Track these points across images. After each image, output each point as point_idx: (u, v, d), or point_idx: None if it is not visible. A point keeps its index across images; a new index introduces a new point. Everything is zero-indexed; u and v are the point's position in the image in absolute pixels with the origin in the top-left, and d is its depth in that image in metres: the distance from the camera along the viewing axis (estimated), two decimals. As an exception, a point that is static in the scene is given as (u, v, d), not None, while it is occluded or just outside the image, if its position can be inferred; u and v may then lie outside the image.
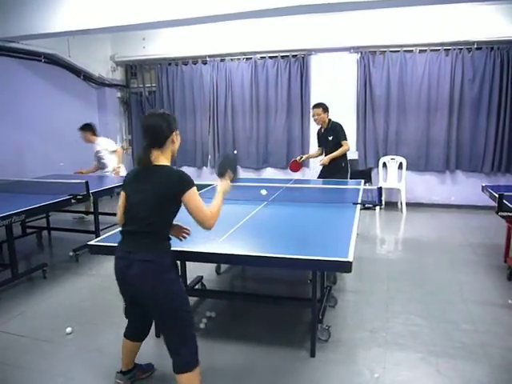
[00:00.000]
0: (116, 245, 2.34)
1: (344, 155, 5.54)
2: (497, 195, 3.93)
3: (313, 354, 2.89)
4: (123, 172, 6.50)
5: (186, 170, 7.98)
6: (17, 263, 4.13)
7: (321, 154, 5.86)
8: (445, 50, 7.05)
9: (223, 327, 3.35)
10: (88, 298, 3.94)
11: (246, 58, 7.98)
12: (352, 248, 2.55)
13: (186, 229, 2.49)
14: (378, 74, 7.39)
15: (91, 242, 2.83)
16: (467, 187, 7.30)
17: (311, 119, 6.70)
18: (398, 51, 7.24)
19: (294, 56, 7.72)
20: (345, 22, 7.04)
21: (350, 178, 5.68)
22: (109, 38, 8.30)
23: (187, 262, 3.28)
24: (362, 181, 5.23)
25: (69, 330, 3.26)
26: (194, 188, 2.20)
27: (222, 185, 2.48)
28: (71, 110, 7.69)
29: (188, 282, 3.54)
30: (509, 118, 6.93)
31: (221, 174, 2.55)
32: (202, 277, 3.84)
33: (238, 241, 2.86)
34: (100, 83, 8.31)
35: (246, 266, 4.42)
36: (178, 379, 2.25)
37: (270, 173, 8.21)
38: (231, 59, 8.05)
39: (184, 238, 2.50)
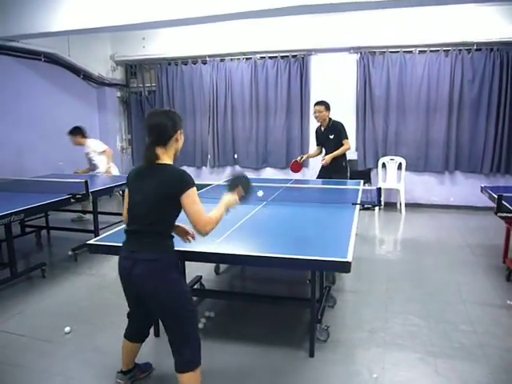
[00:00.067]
0: (115, 244, 2.34)
1: (344, 154, 5.56)
2: (496, 196, 3.94)
3: (312, 354, 2.89)
4: (115, 171, 6.51)
5: (186, 169, 7.96)
6: (16, 262, 4.13)
7: (320, 153, 5.87)
8: (444, 50, 7.06)
9: (222, 327, 3.35)
10: (87, 297, 3.94)
11: (246, 58, 7.98)
12: (351, 248, 2.56)
13: (191, 234, 2.46)
14: (378, 75, 7.39)
15: (90, 242, 2.82)
16: (466, 188, 7.31)
17: (311, 119, 6.71)
18: (398, 52, 7.24)
19: (293, 56, 7.72)
20: (345, 22, 7.04)
21: (350, 178, 5.69)
22: (109, 37, 8.30)
23: (186, 262, 3.27)
24: (362, 181, 5.24)
25: (67, 329, 3.25)
26: (194, 189, 2.17)
27: (228, 197, 2.42)
28: (71, 109, 7.69)
29: (187, 281, 3.53)
30: (508, 119, 6.94)
31: (230, 188, 2.49)
32: (201, 276, 3.85)
33: (237, 241, 2.86)
34: (100, 83, 8.31)
35: (245, 266, 4.43)
36: (179, 378, 2.25)
37: (269, 173, 8.21)
38: (231, 59, 8.05)
39: (188, 241, 2.48)
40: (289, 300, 3.52)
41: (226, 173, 8.34)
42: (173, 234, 2.32)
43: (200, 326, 3.26)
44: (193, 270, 3.72)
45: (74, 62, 7.55)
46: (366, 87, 7.44)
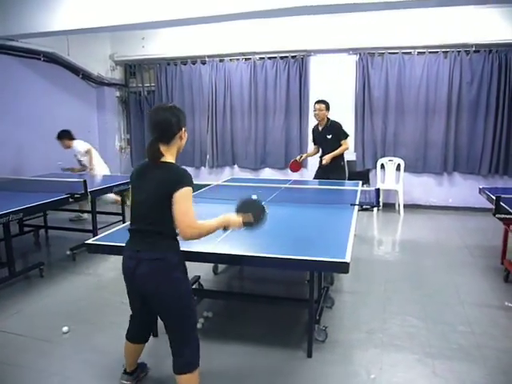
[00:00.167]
0: (114, 244, 2.34)
1: (342, 154, 5.60)
2: (494, 197, 3.94)
3: (310, 355, 2.89)
4: (103, 171, 6.49)
5: (184, 169, 7.97)
6: (14, 261, 4.12)
7: (317, 152, 5.88)
8: (443, 52, 7.07)
9: (220, 327, 3.35)
10: (85, 296, 3.93)
11: (245, 59, 7.98)
12: (349, 249, 2.56)
13: None
14: (377, 76, 7.40)
15: (89, 241, 2.82)
16: (465, 189, 7.32)
17: (310, 120, 6.71)
18: (397, 53, 7.25)
19: (293, 57, 7.72)
20: (344, 23, 7.05)
21: (348, 179, 5.70)
22: (108, 37, 8.29)
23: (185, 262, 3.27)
24: (360, 182, 5.24)
25: (65, 329, 3.25)
26: (189, 189, 2.11)
27: (230, 216, 2.30)
28: (70, 109, 7.68)
29: (185, 281, 3.54)
30: (506, 121, 6.95)
31: (239, 210, 2.35)
32: (199, 277, 3.85)
33: (236, 241, 2.86)
34: (99, 82, 8.30)
35: (244, 266, 4.42)
36: (177, 380, 2.24)
37: (267, 173, 8.21)
38: (230, 59, 8.05)
39: None
40: (287, 300, 3.51)
41: (225, 173, 8.35)
42: (177, 232, 2.23)
43: (198, 326, 3.25)
44: (191, 269, 3.66)
45: (73, 62, 7.54)
46: (365, 88, 7.45)
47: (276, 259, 2.46)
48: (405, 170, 7.39)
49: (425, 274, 4.45)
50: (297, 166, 5.90)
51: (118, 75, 8.76)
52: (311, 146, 6.22)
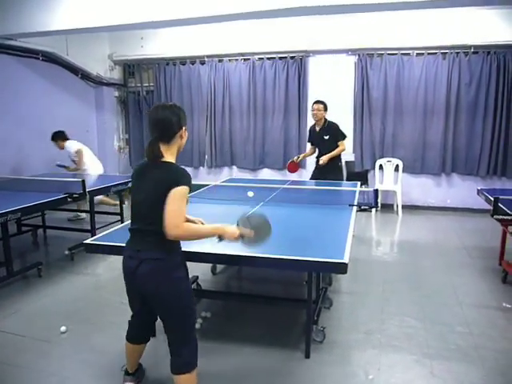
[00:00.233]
0: (112, 244, 2.33)
1: (339, 155, 5.61)
2: (492, 198, 3.95)
3: (307, 355, 2.89)
4: (97, 170, 6.50)
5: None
6: (12, 261, 4.11)
7: (314, 153, 5.89)
8: (442, 53, 7.08)
9: (218, 328, 3.35)
10: (83, 296, 3.93)
11: (244, 59, 7.98)
12: (348, 249, 2.57)
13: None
14: (376, 77, 7.41)
15: (87, 241, 2.81)
16: (463, 190, 7.34)
17: (308, 120, 6.72)
18: (396, 54, 7.26)
19: (292, 57, 7.73)
20: (343, 24, 7.06)
21: (347, 180, 5.71)
22: (107, 36, 8.29)
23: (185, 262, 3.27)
24: (359, 183, 5.25)
25: (63, 328, 3.25)
26: (185, 188, 2.07)
27: (227, 226, 2.21)
28: (69, 108, 7.67)
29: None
30: (505, 122, 6.97)
31: (240, 223, 2.25)
32: (197, 277, 3.85)
33: (234, 241, 2.85)
34: (98, 82, 8.29)
35: (242, 267, 4.42)
36: (175, 380, 2.24)
37: (266, 174, 8.21)
38: (229, 60, 8.05)
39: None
40: (285, 301, 3.51)
41: (224, 173, 8.35)
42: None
43: (196, 326, 3.26)
44: (189, 270, 3.70)
45: (72, 62, 7.53)
46: (364, 89, 7.46)
47: (274, 259, 2.46)
48: (403, 171, 7.39)
49: (423, 275, 4.46)
50: (294, 167, 5.90)
51: (116, 75, 8.76)
52: (309, 146, 6.22)
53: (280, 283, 4.24)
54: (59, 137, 6.32)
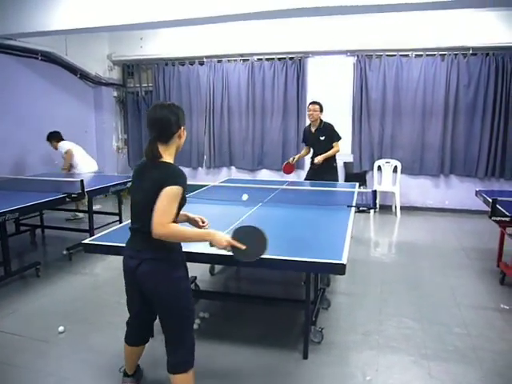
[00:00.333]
0: (111, 244, 2.33)
1: (334, 155, 5.64)
2: (490, 200, 3.96)
3: (305, 356, 2.89)
4: (90, 168, 6.53)
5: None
6: (10, 261, 4.11)
7: (309, 153, 5.90)
8: (440, 55, 7.09)
9: (216, 328, 3.34)
10: (81, 296, 3.93)
11: (243, 60, 7.99)
12: (346, 250, 2.57)
13: (206, 223, 2.47)
14: (374, 78, 7.42)
15: (85, 241, 2.82)
16: (461, 191, 7.35)
17: (307, 121, 6.71)
18: (395, 55, 7.27)
19: (290, 58, 7.74)
20: (342, 25, 7.07)
21: (345, 181, 5.72)
22: (106, 37, 8.29)
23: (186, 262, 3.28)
24: (357, 184, 5.26)
25: (61, 328, 3.24)
26: (177, 188, 2.05)
27: (217, 233, 2.18)
28: (68, 108, 7.66)
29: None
30: (503, 124, 6.98)
31: (235, 234, 2.21)
32: (195, 277, 3.84)
33: (233, 242, 2.85)
34: (97, 82, 8.29)
35: (240, 267, 4.42)
36: (171, 380, 2.23)
37: (265, 174, 8.21)
38: (228, 60, 8.06)
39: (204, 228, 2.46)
40: (283, 301, 3.50)
41: (222, 174, 8.35)
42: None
43: (194, 326, 3.26)
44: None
45: (71, 62, 7.52)
46: (363, 90, 7.47)
47: (273, 260, 2.45)
48: (402, 172, 7.40)
49: (421, 276, 4.46)
50: (290, 168, 5.91)
51: (115, 75, 8.76)
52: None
53: (278, 284, 4.24)
54: (54, 137, 6.39)
